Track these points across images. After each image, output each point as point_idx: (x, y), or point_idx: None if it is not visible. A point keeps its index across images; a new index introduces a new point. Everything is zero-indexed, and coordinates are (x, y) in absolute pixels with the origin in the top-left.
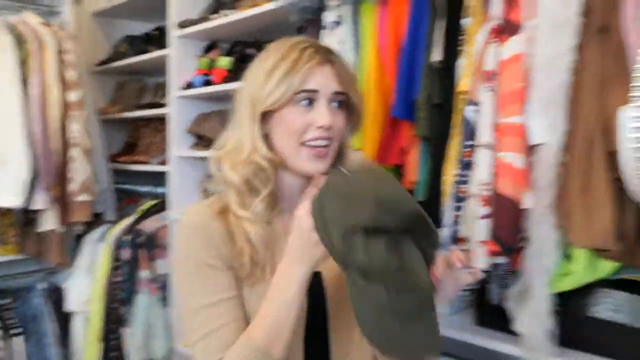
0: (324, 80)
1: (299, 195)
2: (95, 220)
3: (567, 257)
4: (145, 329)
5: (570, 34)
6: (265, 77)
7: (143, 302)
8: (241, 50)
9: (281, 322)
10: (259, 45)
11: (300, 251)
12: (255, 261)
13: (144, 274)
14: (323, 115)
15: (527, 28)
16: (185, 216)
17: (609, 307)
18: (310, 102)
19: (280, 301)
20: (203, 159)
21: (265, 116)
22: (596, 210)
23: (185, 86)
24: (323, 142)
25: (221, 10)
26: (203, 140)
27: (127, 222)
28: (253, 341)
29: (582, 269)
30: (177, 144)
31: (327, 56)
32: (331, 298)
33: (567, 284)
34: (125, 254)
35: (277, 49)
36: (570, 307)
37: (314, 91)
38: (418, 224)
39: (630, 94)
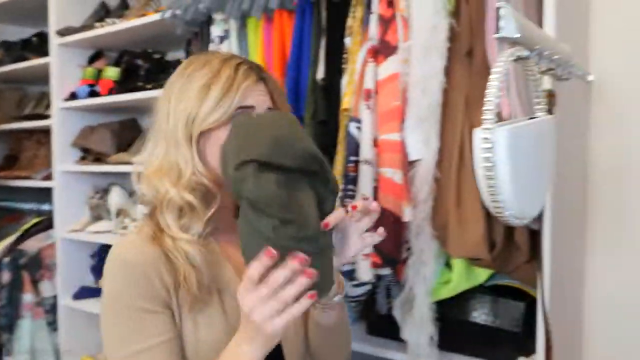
0: (260, 98)
1: (232, 213)
2: None
3: (447, 266)
4: (31, 357)
5: (439, 57)
6: (200, 96)
7: (27, 327)
8: (129, 60)
9: None
10: (148, 56)
11: (253, 330)
12: (201, 284)
13: (27, 297)
14: None
15: (402, 49)
16: (115, 250)
17: (485, 312)
18: None
19: None
20: (91, 173)
21: (199, 135)
22: (469, 223)
23: (68, 97)
24: None
25: (107, 18)
26: (90, 154)
27: (6, 242)
28: None
29: (460, 277)
30: (63, 158)
31: (260, 74)
32: None
33: (447, 292)
34: (5, 276)
35: (207, 64)
36: (450, 314)
37: (251, 107)
38: (314, 166)
39: (482, 117)
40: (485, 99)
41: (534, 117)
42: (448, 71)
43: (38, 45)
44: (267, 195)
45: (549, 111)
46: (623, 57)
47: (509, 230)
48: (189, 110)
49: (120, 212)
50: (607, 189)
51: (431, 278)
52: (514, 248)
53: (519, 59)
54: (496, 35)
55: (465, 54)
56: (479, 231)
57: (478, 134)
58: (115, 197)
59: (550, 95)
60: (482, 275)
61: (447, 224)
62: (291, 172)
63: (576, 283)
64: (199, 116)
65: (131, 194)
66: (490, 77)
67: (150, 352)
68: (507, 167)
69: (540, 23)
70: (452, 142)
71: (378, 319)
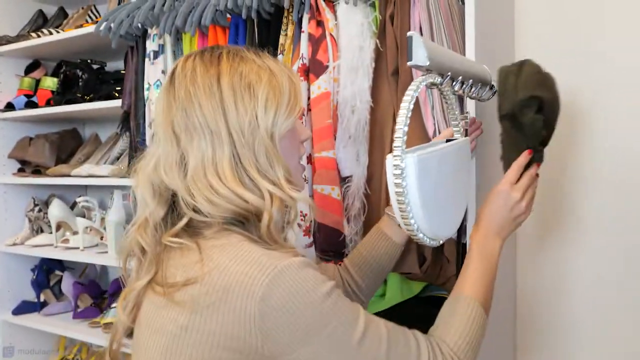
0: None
1: None
2: None
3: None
4: None
5: (365, 76)
6: (272, 96)
7: None
8: (68, 70)
9: (490, 287)
10: (87, 66)
11: (501, 225)
12: None
13: None
14: (305, 128)
15: (331, 69)
16: (279, 263)
17: (417, 323)
18: None
19: (487, 268)
20: (31, 185)
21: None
22: None
23: (4, 107)
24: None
25: (44, 28)
26: (29, 166)
27: None
28: (478, 301)
29: (394, 291)
30: (1, 170)
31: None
32: None
33: (382, 305)
34: None
35: (248, 59)
36: None
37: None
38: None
39: (393, 144)
40: (396, 125)
41: (451, 140)
42: (375, 90)
43: None
44: (537, 129)
45: (467, 132)
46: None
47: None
48: (269, 114)
49: (60, 225)
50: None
51: None
52: (444, 261)
53: (432, 85)
54: (409, 63)
55: (392, 74)
56: (410, 247)
57: (389, 161)
58: (55, 210)
59: (465, 119)
60: (416, 287)
61: None
62: (551, 121)
63: (508, 286)
64: (279, 120)
65: (72, 206)
66: (401, 104)
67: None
68: (417, 193)
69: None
70: (380, 159)
71: None
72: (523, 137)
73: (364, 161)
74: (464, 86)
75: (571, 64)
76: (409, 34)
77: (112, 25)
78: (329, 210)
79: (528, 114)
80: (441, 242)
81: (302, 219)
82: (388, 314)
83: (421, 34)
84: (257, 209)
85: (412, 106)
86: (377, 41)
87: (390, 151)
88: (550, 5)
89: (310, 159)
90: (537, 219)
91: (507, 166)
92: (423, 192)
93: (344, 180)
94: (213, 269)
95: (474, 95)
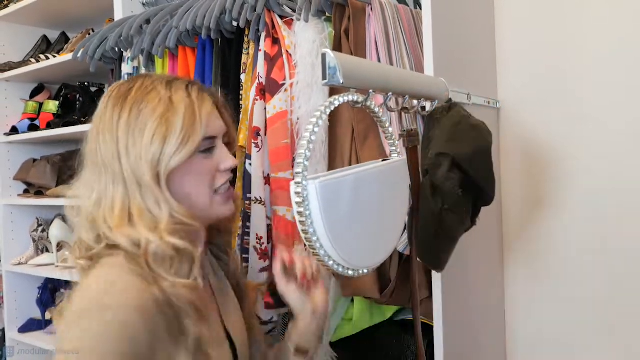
0: (218, 124)
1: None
2: None
3: (352, 302)
4: None
5: (321, 94)
6: (160, 132)
7: None
8: (68, 93)
9: None
10: (85, 89)
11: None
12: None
13: None
14: (227, 157)
15: (288, 87)
16: (112, 290)
17: (388, 349)
18: (211, 148)
19: None
20: (35, 206)
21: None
22: None
23: (9, 131)
24: (228, 184)
25: (47, 52)
26: (32, 188)
27: None
28: None
29: (361, 315)
30: (8, 191)
31: (213, 97)
32: None
33: (348, 330)
34: None
35: (152, 91)
36: (356, 352)
37: (214, 137)
38: (488, 188)
39: (293, 169)
40: (297, 151)
41: (387, 159)
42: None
43: None
44: (447, 189)
45: (413, 148)
46: (529, 84)
47: (407, 267)
48: (152, 151)
49: (61, 245)
50: (520, 215)
51: (329, 316)
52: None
53: (354, 103)
54: (323, 83)
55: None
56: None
57: (291, 188)
58: (55, 230)
59: (410, 134)
60: (387, 311)
61: None
62: (471, 181)
63: (494, 316)
64: (165, 156)
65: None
66: (305, 127)
67: None
68: (321, 221)
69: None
70: None
71: None
72: (439, 197)
73: None
74: (404, 102)
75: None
76: (322, 51)
77: (88, 51)
78: (282, 232)
79: (437, 172)
80: (365, 272)
81: (257, 242)
82: (356, 339)
83: (376, 47)
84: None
85: (317, 129)
86: None
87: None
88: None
89: (267, 180)
90: (524, 255)
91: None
92: (330, 219)
93: None
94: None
95: (420, 110)
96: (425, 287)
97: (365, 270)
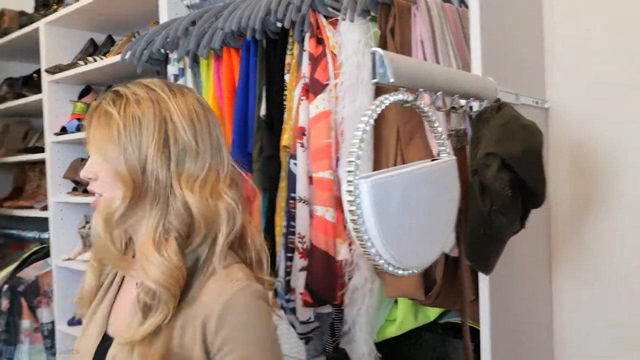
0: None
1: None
2: None
3: (396, 303)
4: None
5: (366, 93)
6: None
7: (25, 352)
8: None
9: None
10: None
11: None
12: None
13: (25, 323)
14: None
15: (332, 87)
16: (257, 295)
17: (433, 352)
18: None
19: None
20: (84, 204)
21: None
22: None
23: (59, 131)
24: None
25: (94, 55)
26: (80, 186)
27: (8, 270)
28: None
29: (405, 316)
30: (58, 189)
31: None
32: None
33: (392, 331)
34: (4, 303)
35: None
36: (398, 354)
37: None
38: (539, 190)
39: (345, 168)
40: (349, 149)
41: (436, 159)
42: None
43: (37, 81)
44: (496, 189)
45: (462, 149)
46: (577, 84)
47: (453, 268)
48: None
49: None
50: (569, 217)
51: (371, 317)
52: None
53: (403, 103)
54: (372, 82)
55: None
56: None
57: (342, 186)
58: None
59: (458, 134)
60: (432, 313)
61: None
62: (520, 182)
63: (541, 318)
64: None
65: None
66: (356, 130)
67: None
68: (374, 220)
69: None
70: None
71: (336, 354)
72: (488, 198)
73: None
74: (452, 102)
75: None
76: (371, 50)
77: (136, 53)
78: (321, 233)
79: (486, 173)
80: (415, 271)
81: (299, 241)
82: (399, 341)
83: (422, 47)
84: None
85: (368, 127)
86: None
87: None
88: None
89: (311, 180)
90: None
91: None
92: (381, 218)
93: None
94: None
95: (468, 110)
96: (472, 290)
97: (416, 270)
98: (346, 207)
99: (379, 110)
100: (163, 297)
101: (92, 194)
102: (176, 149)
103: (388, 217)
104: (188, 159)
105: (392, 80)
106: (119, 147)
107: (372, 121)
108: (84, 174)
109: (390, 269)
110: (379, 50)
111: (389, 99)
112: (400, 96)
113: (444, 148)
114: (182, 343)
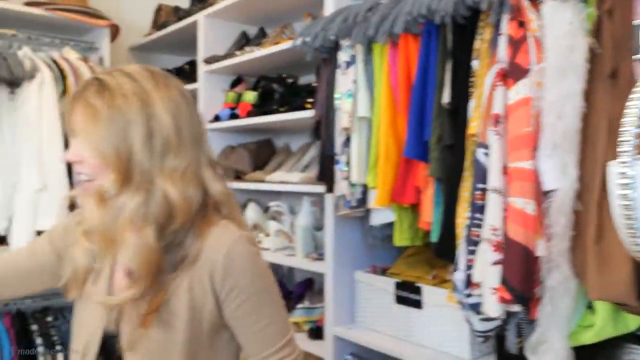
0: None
1: None
2: None
3: (590, 308)
4: None
5: (577, 79)
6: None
7: None
8: (265, 85)
9: None
10: (282, 81)
11: None
12: None
13: None
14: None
15: (534, 72)
16: (249, 241)
17: None
18: None
19: None
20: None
21: None
22: (612, 262)
23: (213, 119)
24: (81, 177)
25: (247, 46)
26: (230, 172)
27: None
28: None
29: (604, 322)
30: None
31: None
32: None
33: (589, 338)
34: None
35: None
36: None
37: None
38: None
39: (618, 149)
40: (622, 128)
41: None
42: (588, 94)
43: (189, 72)
44: None
45: None
46: None
47: None
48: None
49: (254, 227)
50: None
51: (568, 320)
52: None
53: None
54: (636, 57)
55: (609, 75)
56: (624, 273)
57: (613, 169)
58: (251, 213)
59: None
60: (632, 322)
61: (585, 262)
62: None
63: None
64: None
65: (265, 209)
66: (628, 103)
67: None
68: None
69: None
70: (592, 171)
71: (508, 357)
72: None
73: (573, 173)
74: None
75: None
76: (634, 22)
77: (307, 39)
78: (520, 226)
79: None
80: None
81: (492, 233)
82: (594, 351)
83: None
84: None
85: None
86: (592, 40)
87: (608, 161)
88: None
89: (505, 170)
90: None
91: None
92: None
93: (546, 194)
94: None
95: None
96: None
97: None
98: (617, 191)
99: None
100: (137, 275)
101: (239, 179)
102: (159, 142)
103: None
104: (170, 151)
105: None
106: (106, 138)
107: None
108: (70, 157)
109: None
110: None
111: None
112: None
113: None
114: (193, 298)
